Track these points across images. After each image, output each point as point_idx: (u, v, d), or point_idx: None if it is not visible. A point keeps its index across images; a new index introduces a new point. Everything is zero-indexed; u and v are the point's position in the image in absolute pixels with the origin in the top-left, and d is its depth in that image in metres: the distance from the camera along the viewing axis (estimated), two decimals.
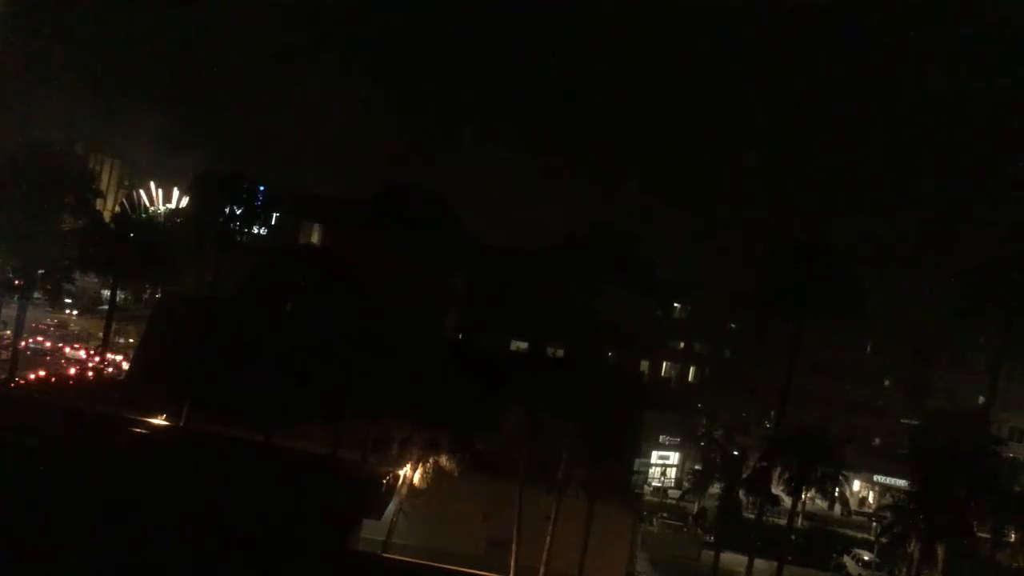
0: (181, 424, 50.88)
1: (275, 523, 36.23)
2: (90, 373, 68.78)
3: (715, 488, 52.85)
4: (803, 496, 52.72)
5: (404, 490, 46.85)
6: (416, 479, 46.18)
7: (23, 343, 70.65)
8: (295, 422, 48.93)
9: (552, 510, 45.44)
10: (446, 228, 64.78)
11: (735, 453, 51.47)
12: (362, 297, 53.15)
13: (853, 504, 73.81)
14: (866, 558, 59.48)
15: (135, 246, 64.62)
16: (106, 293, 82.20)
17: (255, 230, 73.64)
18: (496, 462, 46.62)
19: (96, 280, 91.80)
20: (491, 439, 46.38)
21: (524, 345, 75.10)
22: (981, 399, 72.70)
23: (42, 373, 65.82)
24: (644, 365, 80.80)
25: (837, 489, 52.80)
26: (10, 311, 67.46)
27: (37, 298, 72.71)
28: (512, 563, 45.68)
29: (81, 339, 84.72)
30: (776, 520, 57.47)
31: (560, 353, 73.17)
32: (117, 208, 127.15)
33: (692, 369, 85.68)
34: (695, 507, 64.05)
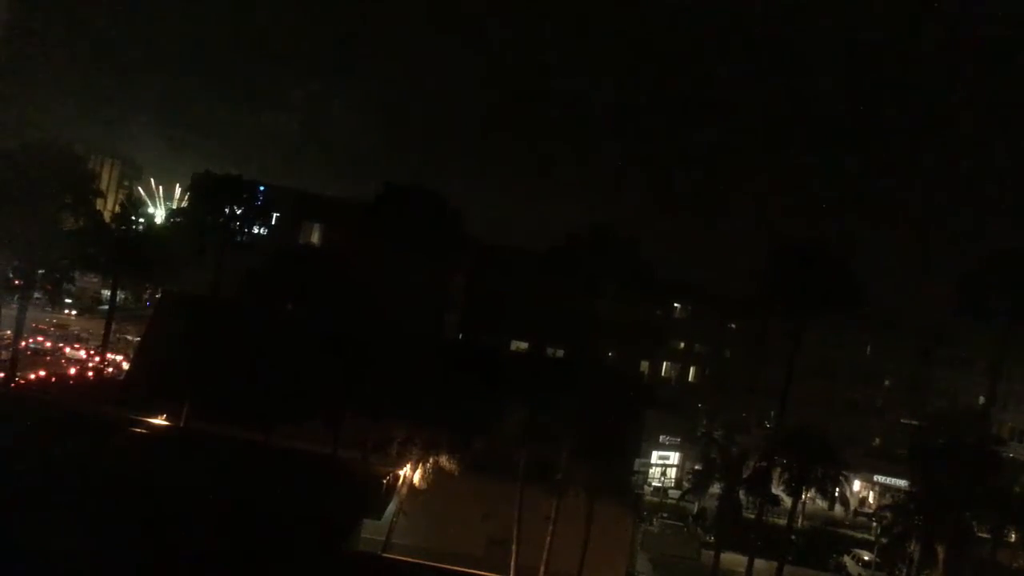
0: (181, 424, 50.87)
1: (275, 523, 36.23)
2: (90, 373, 68.80)
3: (715, 488, 52.82)
4: (803, 496, 52.74)
5: (404, 490, 46.87)
6: (416, 479, 46.19)
7: (23, 343, 70.61)
8: (295, 422, 48.90)
9: (552, 510, 45.43)
10: (447, 228, 64.77)
11: (735, 453, 51.42)
12: (362, 297, 53.17)
13: (853, 504, 73.78)
14: (866, 558, 59.49)
15: (135, 246, 64.68)
16: (106, 293, 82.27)
17: (255, 230, 73.62)
18: (496, 462, 46.59)
19: (96, 280, 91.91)
20: (491, 439, 46.35)
21: (524, 345, 75.15)
22: (981, 399, 72.76)
23: (42, 373, 65.81)
24: (644, 365, 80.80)
25: (837, 489, 52.76)
26: (10, 311, 67.37)
27: (37, 298, 72.67)
28: (512, 563, 45.67)
29: (81, 339, 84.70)
30: (776, 520, 57.50)
31: (560, 353, 73.24)
32: (117, 208, 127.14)
33: (692, 369, 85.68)
34: (695, 507, 64.07)
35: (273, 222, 75.98)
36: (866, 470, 72.67)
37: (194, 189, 73.34)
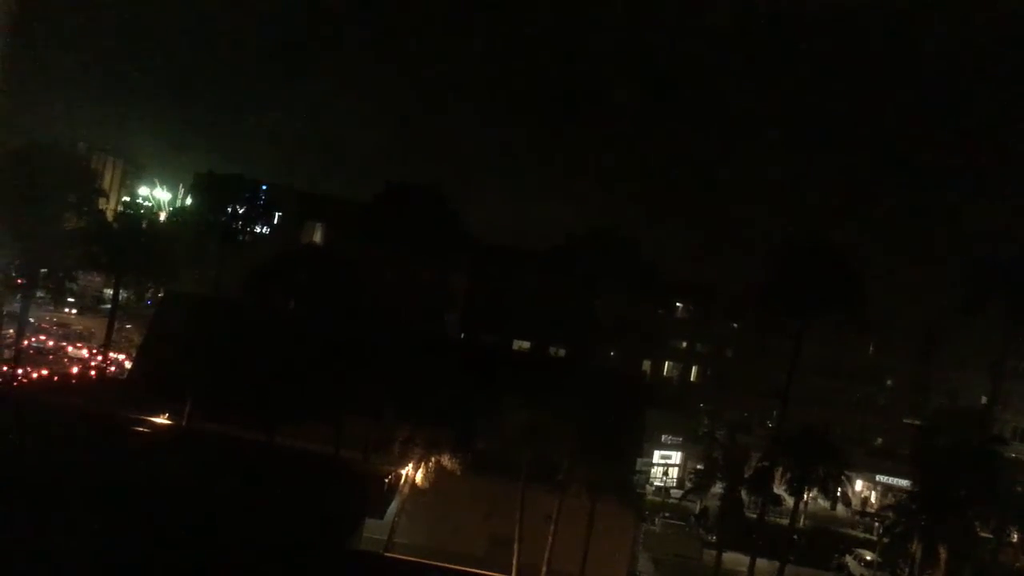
0: (183, 423, 50.93)
1: (277, 522, 36.26)
2: (92, 372, 68.86)
3: (717, 488, 52.82)
4: (805, 496, 52.71)
5: (406, 489, 46.91)
6: (418, 478, 46.22)
7: (26, 342, 70.76)
8: (297, 421, 48.95)
9: (554, 509, 45.44)
10: (448, 227, 64.82)
11: (737, 453, 51.40)
12: (364, 296, 53.23)
13: (855, 504, 73.79)
14: (868, 558, 59.43)
15: (137, 245, 64.75)
16: (108, 292, 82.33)
17: (257, 229, 73.76)
18: (498, 461, 46.61)
19: (99, 279, 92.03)
20: (493, 438, 46.34)
21: (526, 344, 75.18)
22: (983, 399, 72.66)
23: (45, 372, 65.87)
24: (646, 364, 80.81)
25: (839, 489, 52.76)
26: (13, 310, 67.57)
27: (40, 297, 72.85)
28: (514, 562, 45.68)
29: (84, 338, 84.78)
30: (778, 520, 57.48)
31: (562, 353, 73.27)
32: (120, 207, 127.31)
33: (694, 368, 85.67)
34: (697, 507, 64.02)
35: (275, 221, 76.11)
36: (868, 470, 72.58)
37: (196, 188, 73.52)
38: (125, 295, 76.83)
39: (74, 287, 77.77)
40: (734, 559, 53.23)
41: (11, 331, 71.13)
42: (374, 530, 45.77)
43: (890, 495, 66.32)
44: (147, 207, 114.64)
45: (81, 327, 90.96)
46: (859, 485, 74.42)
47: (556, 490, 45.57)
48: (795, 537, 56.60)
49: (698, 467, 61.59)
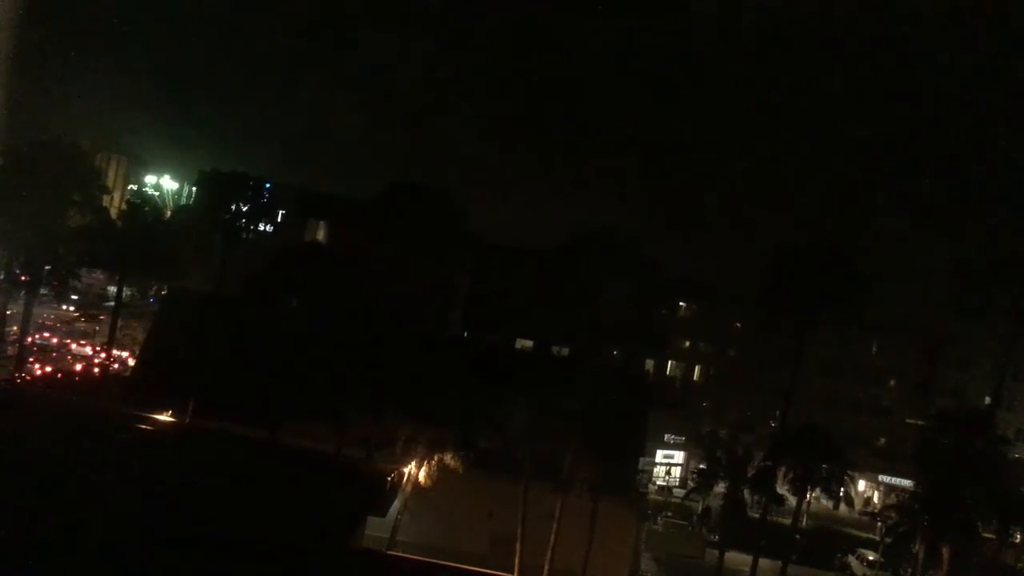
0: (186, 421, 50.97)
1: (280, 520, 36.26)
2: (96, 369, 68.95)
3: (720, 487, 52.79)
4: (808, 496, 52.67)
5: (409, 488, 46.93)
6: (421, 477, 46.23)
7: (29, 339, 70.86)
8: (300, 419, 48.97)
9: (556, 508, 45.44)
10: (452, 226, 64.85)
11: (740, 452, 51.38)
12: (367, 295, 53.24)
13: (858, 504, 73.71)
14: (871, 558, 59.43)
15: (141, 243, 64.82)
16: (112, 290, 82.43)
17: (261, 227, 73.80)
18: (501, 460, 46.61)
19: (102, 276, 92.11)
20: (496, 437, 46.34)
21: (529, 344, 75.16)
22: (987, 399, 72.57)
23: (48, 369, 65.99)
24: (649, 364, 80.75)
25: (842, 489, 52.71)
26: (17, 307, 67.71)
27: (43, 294, 72.93)
28: (516, 561, 45.68)
29: (87, 335, 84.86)
30: (781, 519, 57.42)
31: (565, 352, 73.22)
32: (123, 205, 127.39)
33: (697, 368, 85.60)
34: (700, 506, 64.00)
35: (279, 219, 76.14)
36: (871, 469, 72.56)
37: (200, 186, 73.65)
38: (129, 293, 76.93)
39: (78, 284, 77.79)
40: (737, 559, 53.20)
41: (15, 328, 71.25)
42: (376, 528, 45.79)
43: (893, 495, 66.23)
44: (151, 204, 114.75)
45: (85, 324, 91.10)
46: (862, 485, 74.39)
47: (558, 489, 45.53)
48: (798, 537, 56.59)
49: (701, 466, 61.49)
